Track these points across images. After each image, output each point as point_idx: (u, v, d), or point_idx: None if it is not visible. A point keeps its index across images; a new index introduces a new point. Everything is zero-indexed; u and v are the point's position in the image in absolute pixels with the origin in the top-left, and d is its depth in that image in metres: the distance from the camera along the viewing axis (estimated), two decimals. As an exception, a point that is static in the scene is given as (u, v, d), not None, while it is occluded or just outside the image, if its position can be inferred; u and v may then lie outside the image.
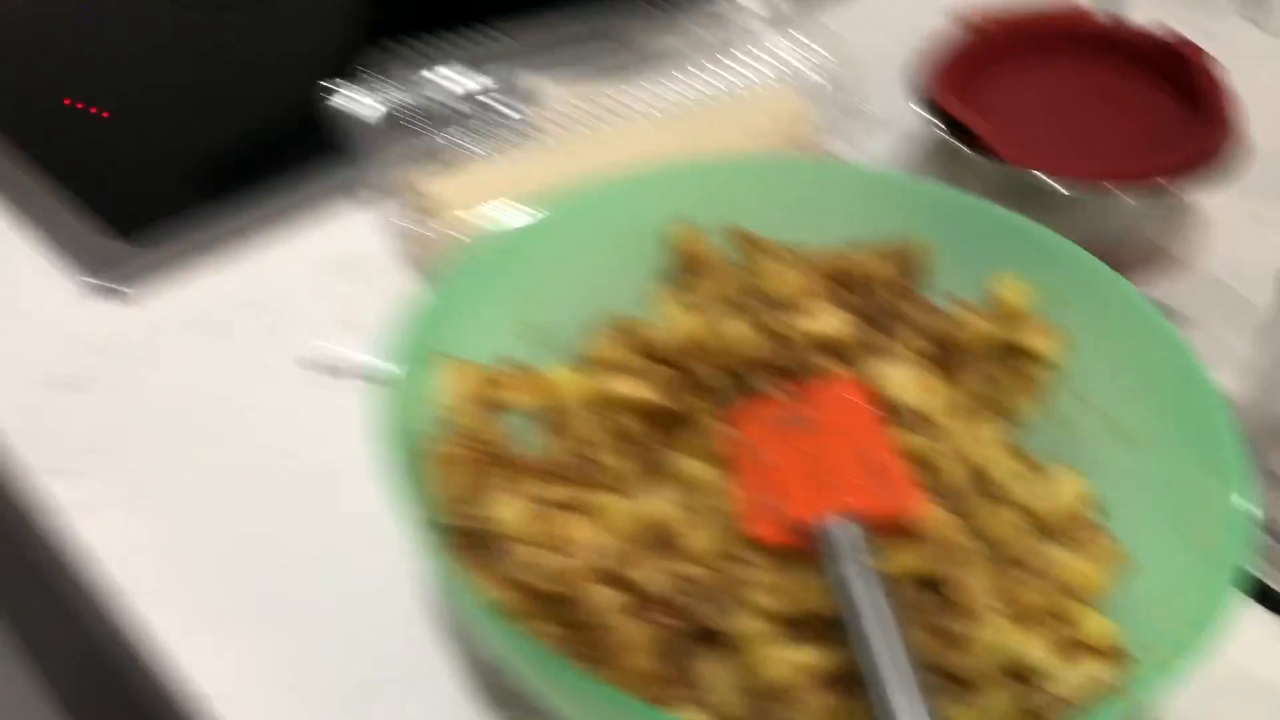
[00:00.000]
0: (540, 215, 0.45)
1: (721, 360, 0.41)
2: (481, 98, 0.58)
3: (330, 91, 0.57)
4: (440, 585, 0.42)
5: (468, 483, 0.37)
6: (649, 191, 0.46)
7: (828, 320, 0.41)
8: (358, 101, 0.56)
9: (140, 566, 0.44)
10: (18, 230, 0.57)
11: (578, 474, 0.39)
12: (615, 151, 0.55)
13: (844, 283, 0.43)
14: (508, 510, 0.36)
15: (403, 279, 0.55)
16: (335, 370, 0.51)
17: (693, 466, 0.40)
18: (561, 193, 0.46)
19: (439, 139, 0.56)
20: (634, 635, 0.34)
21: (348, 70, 0.58)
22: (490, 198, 0.52)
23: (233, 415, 0.49)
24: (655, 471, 0.40)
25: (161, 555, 0.44)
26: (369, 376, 0.50)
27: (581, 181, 0.47)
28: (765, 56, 0.60)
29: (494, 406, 0.41)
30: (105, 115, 0.66)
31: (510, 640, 0.33)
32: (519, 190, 0.52)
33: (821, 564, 0.34)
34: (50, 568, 0.47)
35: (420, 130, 0.56)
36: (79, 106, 0.65)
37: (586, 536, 0.36)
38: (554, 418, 0.42)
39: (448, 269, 0.42)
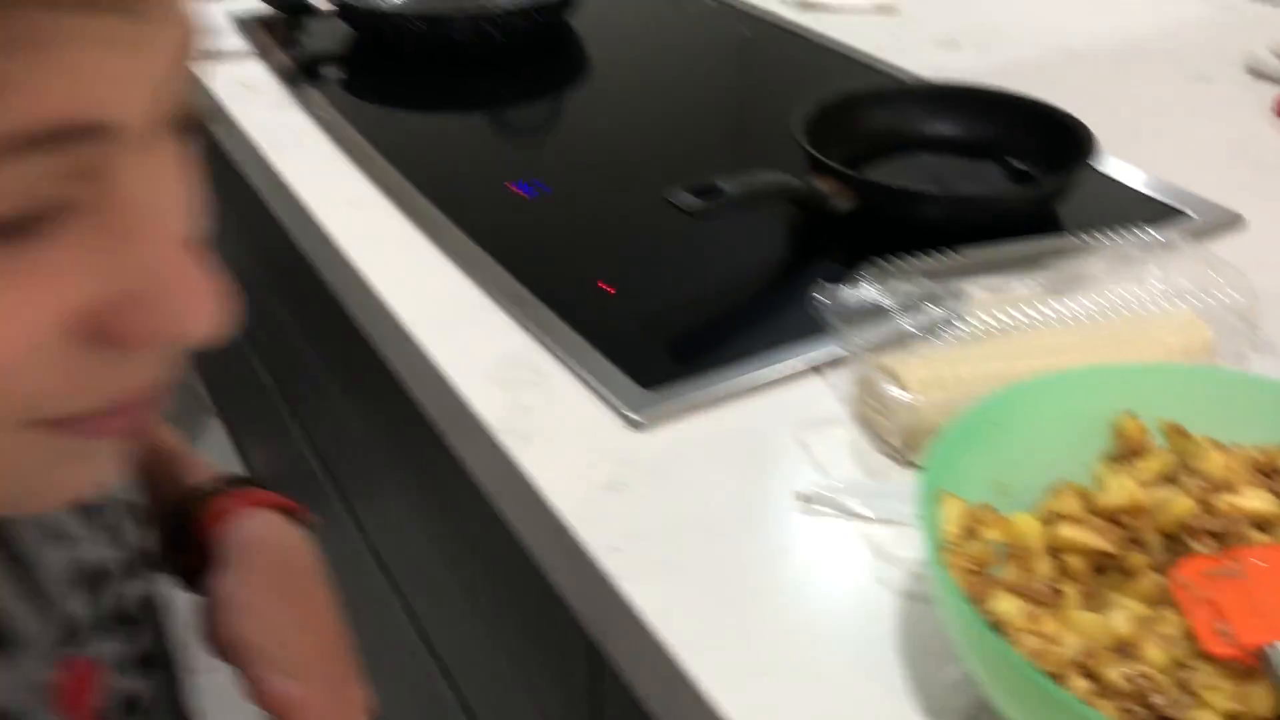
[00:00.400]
0: (1004, 397, 0.59)
1: (1161, 522, 0.53)
2: (931, 301, 0.73)
3: (813, 284, 0.74)
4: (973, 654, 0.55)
5: (973, 585, 0.50)
6: (1096, 385, 0.59)
7: (1254, 497, 0.52)
8: (836, 295, 0.73)
9: (677, 621, 0.59)
10: (576, 378, 0.76)
11: (1045, 596, 0.51)
12: (1041, 351, 0.68)
13: (1264, 471, 0.54)
14: (1009, 606, 0.48)
15: (864, 436, 0.70)
16: (812, 499, 0.65)
17: (1135, 605, 0.51)
18: (1024, 380, 0.59)
19: (901, 328, 0.71)
20: (1110, 714, 0.45)
21: (825, 269, 0.75)
22: (941, 379, 0.67)
23: (733, 518, 0.65)
24: (1100, 609, 0.52)
25: (692, 614, 0.59)
26: (840, 509, 0.65)
27: (1033, 372, 0.60)
28: (1171, 282, 0.73)
29: (976, 537, 0.54)
30: (611, 291, 0.85)
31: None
32: (965, 375, 0.66)
33: (1271, 678, 0.45)
34: (606, 622, 0.63)
35: (885, 320, 0.71)
36: (600, 285, 0.85)
37: (1064, 636, 0.48)
38: (1018, 553, 0.54)
39: (942, 432, 0.56)
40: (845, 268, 0.84)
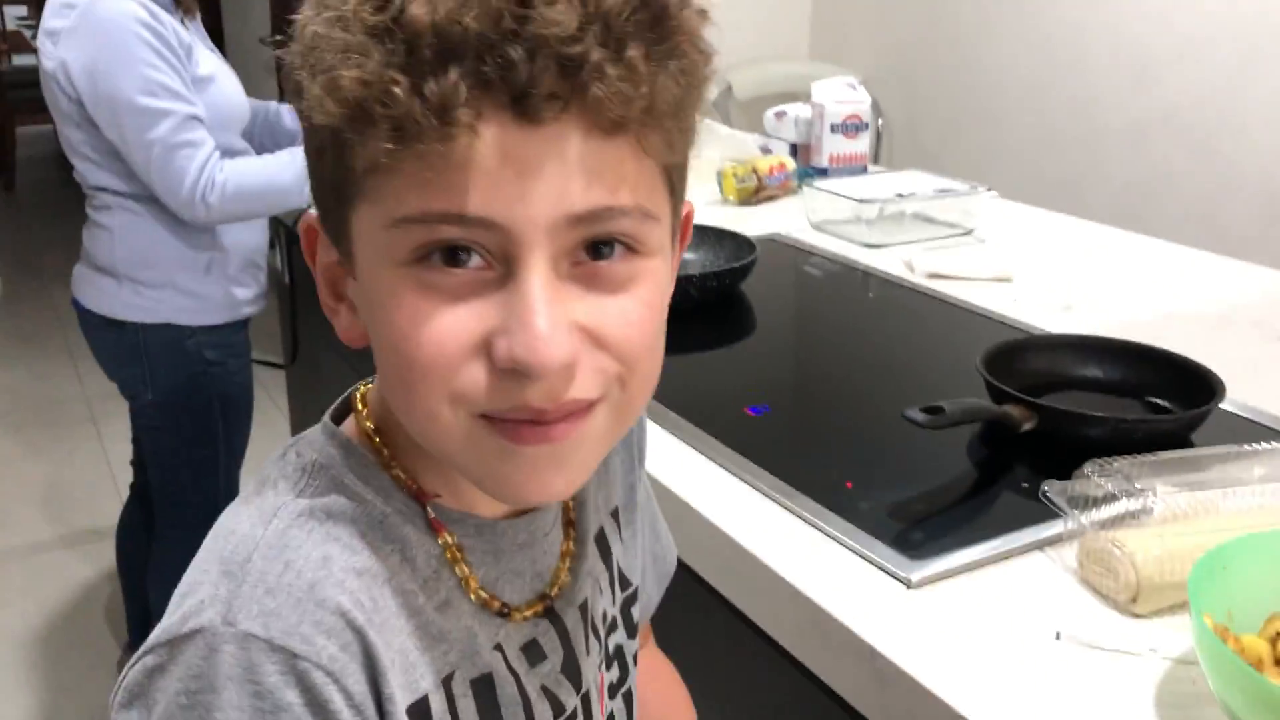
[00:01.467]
0: (1227, 548, 0.79)
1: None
2: (1130, 493, 0.95)
3: (1010, 481, 0.96)
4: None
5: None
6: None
7: None
8: (1061, 487, 0.95)
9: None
10: (850, 556, 0.97)
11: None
12: (1231, 524, 0.89)
13: None
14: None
15: (1092, 596, 0.90)
16: (1064, 637, 0.85)
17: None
18: (1237, 538, 0.80)
19: (1114, 512, 0.92)
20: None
21: (1019, 472, 0.97)
22: (1157, 546, 0.88)
23: (1004, 663, 0.84)
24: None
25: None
26: (1092, 645, 0.84)
27: (1229, 538, 0.81)
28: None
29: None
30: (850, 486, 1.07)
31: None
32: (1174, 544, 0.87)
33: None
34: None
35: (1102, 506, 0.93)
36: (849, 485, 1.07)
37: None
38: (1252, 661, 0.74)
39: (1194, 573, 0.77)
40: (1033, 473, 1.07)
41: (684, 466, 1.12)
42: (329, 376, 2.22)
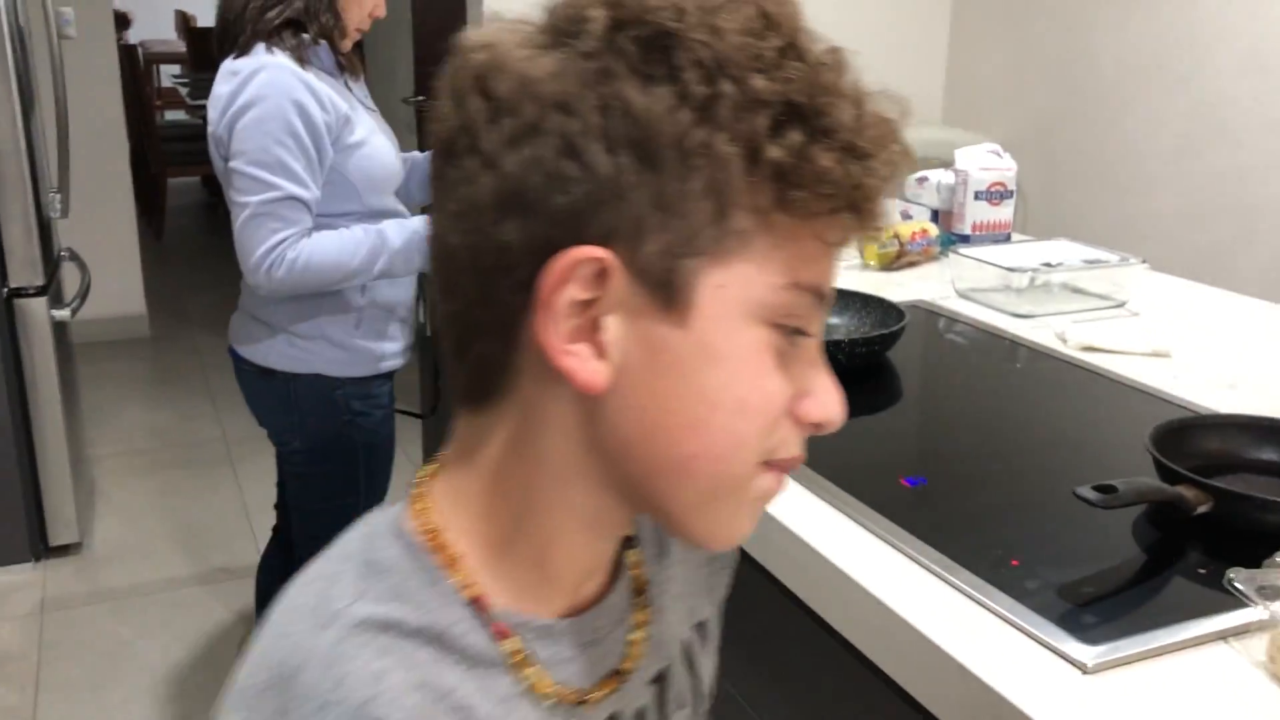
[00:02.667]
0: None
1: None
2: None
3: (1184, 566, 0.92)
4: None
5: None
6: None
7: None
8: (1255, 576, 0.91)
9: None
10: (1022, 638, 0.94)
11: None
12: None
13: None
14: None
15: (1277, 691, 0.86)
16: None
17: None
18: None
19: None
20: None
21: (1192, 558, 0.93)
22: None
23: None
24: None
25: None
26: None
27: None
28: None
29: None
30: (1016, 564, 1.04)
31: None
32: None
33: None
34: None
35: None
36: (1014, 564, 1.05)
37: None
38: None
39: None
40: (1206, 557, 1.04)
41: (840, 536, 1.10)
42: (465, 428, 2.25)
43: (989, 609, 0.97)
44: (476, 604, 0.56)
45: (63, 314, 2.82)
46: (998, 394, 1.54)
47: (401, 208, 1.96)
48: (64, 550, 2.97)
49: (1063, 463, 1.31)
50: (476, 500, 0.57)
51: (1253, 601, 0.90)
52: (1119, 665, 0.90)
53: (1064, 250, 1.97)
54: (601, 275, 0.51)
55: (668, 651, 0.68)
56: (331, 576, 0.55)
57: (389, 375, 2.00)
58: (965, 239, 2.21)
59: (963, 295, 1.91)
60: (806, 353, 0.55)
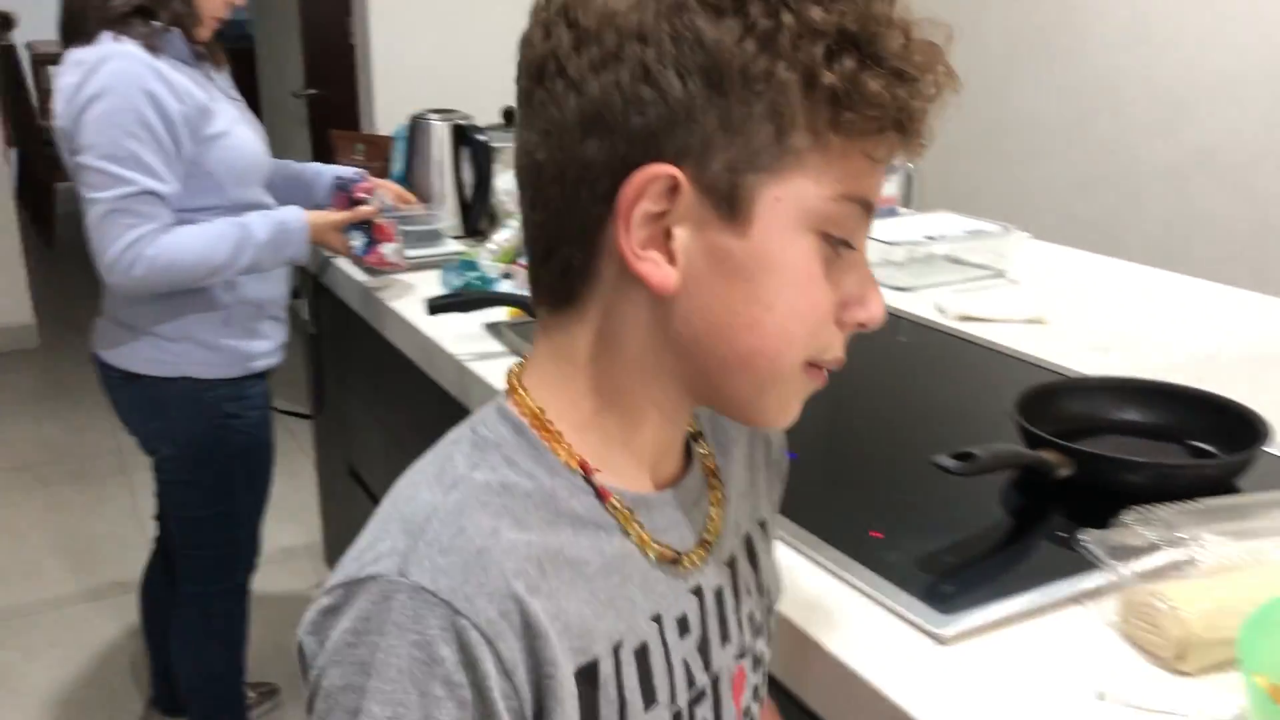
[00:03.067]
0: (1277, 608, 0.74)
1: None
2: (1174, 543, 0.90)
3: (1047, 531, 0.91)
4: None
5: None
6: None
7: None
8: (1100, 537, 0.90)
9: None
10: (879, 609, 0.92)
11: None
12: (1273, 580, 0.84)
13: None
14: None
15: (1133, 652, 0.84)
16: (1108, 697, 0.80)
17: None
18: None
19: (1157, 564, 0.87)
20: None
21: (1054, 521, 0.92)
22: (1206, 599, 0.82)
23: (1041, 714, 0.79)
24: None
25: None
26: (1135, 705, 0.79)
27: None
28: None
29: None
30: (881, 537, 1.03)
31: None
32: (1225, 596, 0.82)
33: None
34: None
35: (1143, 557, 0.88)
36: (872, 533, 1.03)
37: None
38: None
39: (1245, 628, 0.72)
40: (1069, 520, 1.03)
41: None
42: (355, 425, 2.20)
43: (849, 583, 0.95)
44: (584, 469, 0.62)
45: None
46: (874, 367, 1.52)
47: (269, 200, 1.89)
48: (-56, 572, 2.85)
49: (932, 433, 1.30)
50: (568, 389, 0.63)
51: (1102, 563, 0.89)
52: (975, 634, 0.88)
53: (946, 223, 1.97)
54: (673, 190, 0.57)
55: (737, 537, 0.74)
56: (447, 455, 0.61)
57: (262, 375, 1.93)
58: (852, 215, 2.20)
59: (845, 270, 1.89)
60: (853, 263, 0.60)
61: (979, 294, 1.75)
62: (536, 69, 0.59)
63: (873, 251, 1.88)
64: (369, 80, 3.33)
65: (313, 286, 2.24)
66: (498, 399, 0.65)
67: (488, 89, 2.55)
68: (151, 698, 2.26)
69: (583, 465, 0.62)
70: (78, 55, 1.68)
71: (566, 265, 0.61)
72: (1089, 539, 0.91)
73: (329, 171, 2.05)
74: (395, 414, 1.97)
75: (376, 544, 0.57)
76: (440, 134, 2.02)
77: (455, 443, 0.62)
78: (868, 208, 0.59)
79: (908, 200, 3.65)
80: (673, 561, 0.65)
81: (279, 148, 2.00)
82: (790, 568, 0.98)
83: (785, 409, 0.64)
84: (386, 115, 3.29)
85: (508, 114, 2.24)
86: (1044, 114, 3.27)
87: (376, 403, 2.05)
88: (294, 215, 1.81)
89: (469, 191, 2.03)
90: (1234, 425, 1.14)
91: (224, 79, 1.88)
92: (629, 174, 0.57)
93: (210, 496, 1.92)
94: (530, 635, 0.56)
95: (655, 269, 0.59)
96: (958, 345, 1.55)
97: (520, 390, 0.64)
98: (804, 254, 0.58)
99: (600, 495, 0.62)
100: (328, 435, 2.47)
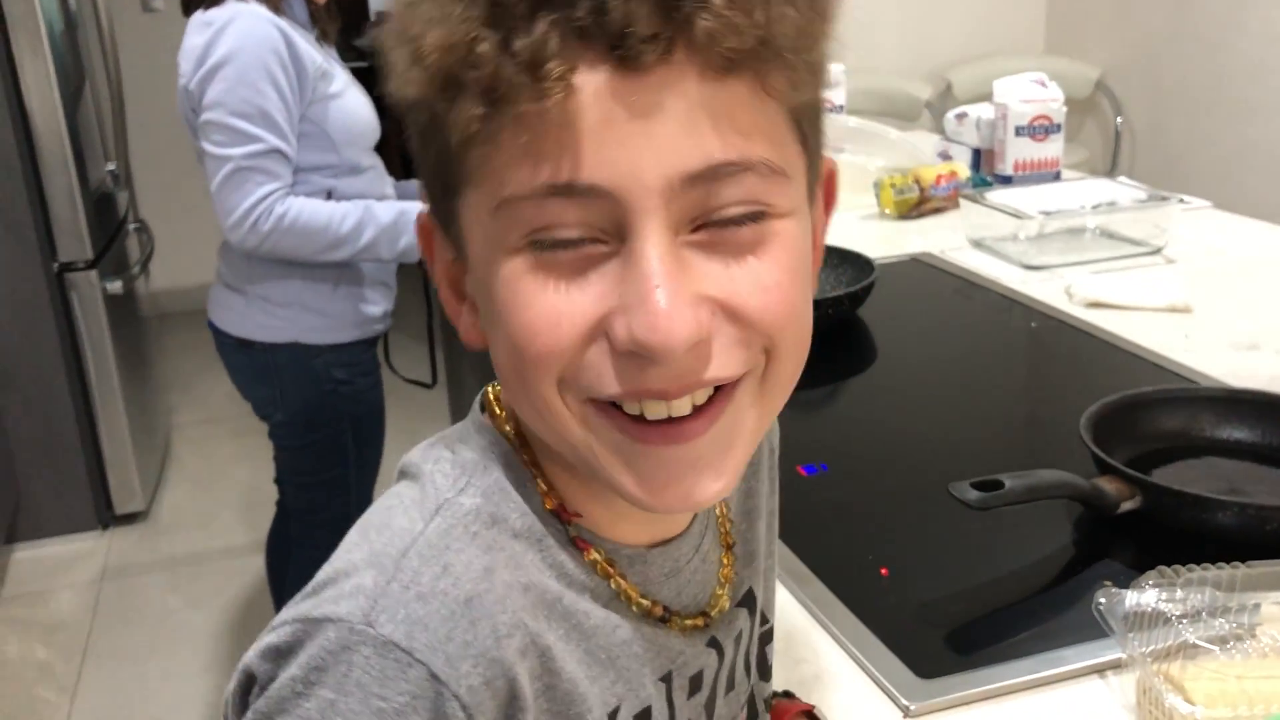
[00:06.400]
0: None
1: None
2: (1219, 613, 0.72)
3: (1096, 584, 0.74)
4: None
5: None
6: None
7: None
8: (1120, 599, 0.73)
9: None
10: (850, 660, 0.78)
11: None
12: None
13: None
14: None
15: (1145, 749, 0.68)
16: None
17: None
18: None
19: (1187, 638, 0.70)
20: None
21: (1107, 569, 0.75)
22: (1227, 694, 0.65)
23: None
24: None
25: None
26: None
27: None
28: None
29: None
30: (885, 573, 0.88)
31: None
32: (1253, 691, 0.64)
33: None
34: None
35: (1171, 629, 0.71)
36: (881, 570, 0.88)
37: None
38: None
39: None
40: (1129, 569, 0.85)
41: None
42: (471, 395, 2.16)
43: (825, 628, 0.82)
44: (561, 514, 0.53)
45: (115, 286, 2.85)
46: (958, 364, 1.34)
47: (380, 165, 1.87)
48: (131, 518, 3.02)
49: (995, 448, 1.12)
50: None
51: (1113, 632, 0.72)
52: (953, 706, 0.74)
53: (1111, 190, 1.74)
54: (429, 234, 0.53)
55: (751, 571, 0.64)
56: (426, 475, 0.52)
57: (372, 341, 1.93)
58: (1007, 180, 1.98)
59: (976, 245, 1.70)
60: (628, 263, 0.45)
61: (1121, 275, 1.52)
62: None
63: (1003, 224, 1.69)
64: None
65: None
66: (473, 415, 0.56)
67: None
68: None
69: (559, 509, 0.53)
70: (205, 16, 1.70)
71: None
72: (1106, 601, 0.74)
73: None
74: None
75: (340, 579, 0.48)
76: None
77: (434, 461, 0.53)
78: (557, 190, 0.44)
79: (1115, 164, 3.32)
80: (662, 619, 0.55)
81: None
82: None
83: (620, 478, 0.49)
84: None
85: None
86: (1267, 66, 2.88)
87: (490, 373, 2.01)
88: (416, 206, 1.79)
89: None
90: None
91: (330, 51, 1.87)
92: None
93: (321, 462, 1.93)
94: (513, 708, 0.48)
95: (461, 323, 0.54)
96: (1073, 338, 1.35)
97: (498, 410, 0.55)
98: (513, 272, 0.47)
99: (579, 546, 0.53)
100: (445, 404, 2.46)
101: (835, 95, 2.25)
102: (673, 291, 0.44)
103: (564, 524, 0.53)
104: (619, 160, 0.43)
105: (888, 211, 1.90)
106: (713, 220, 0.46)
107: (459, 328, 0.53)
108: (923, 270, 1.62)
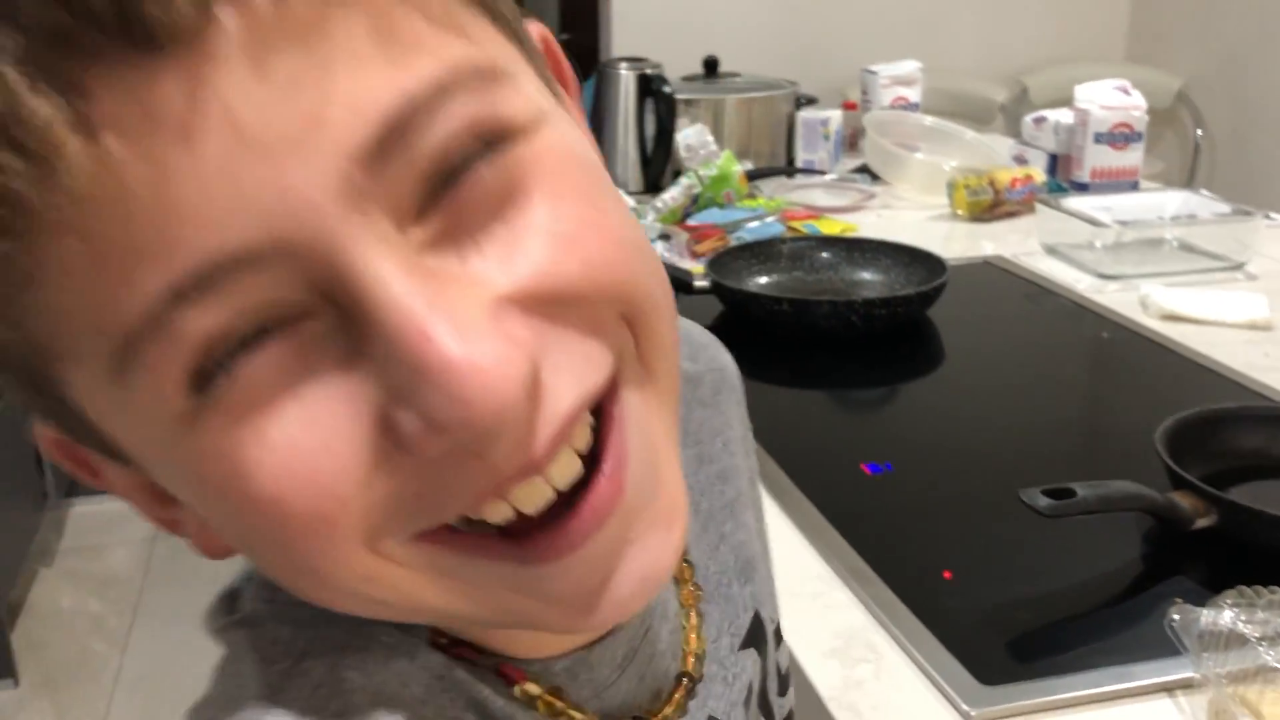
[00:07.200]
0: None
1: None
2: (1299, 637, 0.70)
3: (1166, 600, 0.73)
4: None
5: None
6: None
7: None
8: (1195, 616, 0.71)
9: None
10: (911, 663, 0.77)
11: None
12: None
13: None
14: None
15: (1215, 772, 0.66)
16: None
17: None
18: None
19: (1263, 660, 0.68)
20: None
21: (1178, 586, 0.73)
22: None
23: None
24: None
25: None
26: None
27: None
28: None
29: None
30: (949, 577, 0.87)
31: None
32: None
33: None
34: None
35: (1247, 650, 0.69)
36: (944, 573, 0.87)
37: None
38: None
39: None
40: (1201, 587, 0.83)
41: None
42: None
43: (886, 628, 0.81)
44: (442, 647, 0.40)
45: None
46: (1027, 370, 1.32)
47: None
48: (187, 480, 3.08)
49: (1062, 457, 1.10)
50: None
51: (1187, 651, 0.70)
52: (1013, 715, 0.72)
53: (1189, 203, 1.70)
54: None
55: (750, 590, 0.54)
56: (228, 679, 0.40)
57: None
58: (1084, 187, 1.94)
59: (1050, 251, 1.67)
60: (354, 336, 0.30)
61: (1201, 289, 1.49)
62: None
63: (1080, 231, 1.65)
64: (608, 24, 3.28)
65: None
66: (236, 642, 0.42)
67: (726, 38, 2.44)
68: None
69: (450, 645, 0.39)
70: None
71: None
72: (1181, 619, 0.72)
73: None
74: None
75: None
76: (627, 83, 1.93)
77: (234, 660, 0.40)
78: (201, 283, 0.28)
79: (1193, 176, 3.25)
80: None
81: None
82: (831, 604, 0.84)
83: (524, 611, 0.35)
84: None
85: (708, 64, 2.12)
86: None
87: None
88: None
89: (650, 145, 1.93)
90: None
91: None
92: None
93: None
94: None
95: (187, 530, 0.39)
96: (1147, 350, 1.32)
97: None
98: (201, 432, 0.30)
99: (507, 679, 0.40)
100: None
101: (911, 93, 2.23)
102: (454, 325, 0.29)
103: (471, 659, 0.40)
104: (231, 196, 0.27)
105: (960, 212, 1.87)
106: (440, 187, 0.30)
107: (194, 544, 0.38)
108: (995, 274, 1.59)
